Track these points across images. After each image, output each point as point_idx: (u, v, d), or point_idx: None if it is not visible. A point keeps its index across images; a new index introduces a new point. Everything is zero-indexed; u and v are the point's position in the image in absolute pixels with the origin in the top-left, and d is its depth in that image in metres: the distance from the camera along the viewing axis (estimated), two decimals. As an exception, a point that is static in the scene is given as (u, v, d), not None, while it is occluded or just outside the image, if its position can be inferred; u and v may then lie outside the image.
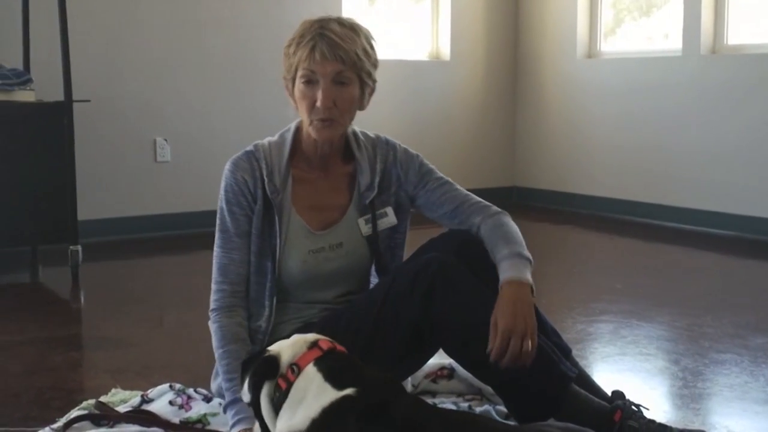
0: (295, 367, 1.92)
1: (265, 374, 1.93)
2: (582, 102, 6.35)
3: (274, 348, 1.97)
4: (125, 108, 5.32)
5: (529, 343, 2.00)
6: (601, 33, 6.37)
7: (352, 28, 2.23)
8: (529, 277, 2.11)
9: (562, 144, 6.52)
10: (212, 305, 2.28)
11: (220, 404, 2.35)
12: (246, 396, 1.95)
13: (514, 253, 2.14)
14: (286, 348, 1.96)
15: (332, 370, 1.91)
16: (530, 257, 2.16)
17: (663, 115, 5.81)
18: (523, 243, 2.21)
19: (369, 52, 2.25)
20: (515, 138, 6.87)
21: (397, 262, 2.41)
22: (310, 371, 1.91)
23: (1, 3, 4.88)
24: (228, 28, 5.60)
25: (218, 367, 2.25)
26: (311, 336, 1.98)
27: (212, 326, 2.27)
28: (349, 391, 1.86)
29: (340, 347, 1.98)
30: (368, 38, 2.26)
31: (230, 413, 2.15)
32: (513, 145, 6.88)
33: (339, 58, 2.17)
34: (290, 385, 1.91)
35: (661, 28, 6.25)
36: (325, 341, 1.97)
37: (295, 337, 1.99)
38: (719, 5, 5.56)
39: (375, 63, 2.28)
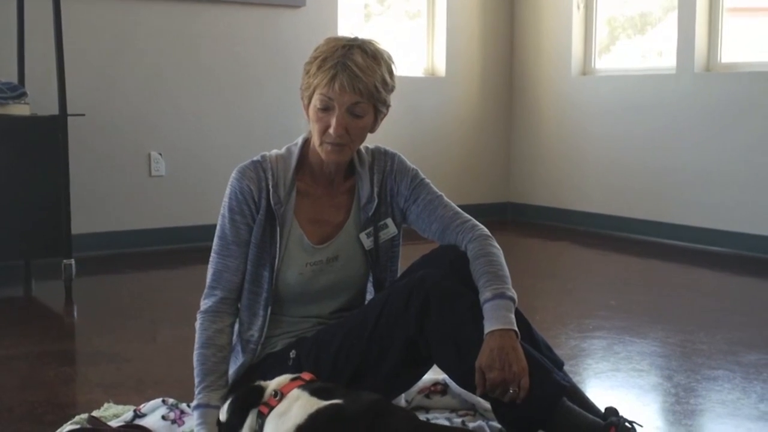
0: (278, 393, 1.95)
1: (248, 400, 1.98)
2: (576, 119, 6.37)
3: (261, 383, 2.04)
4: (120, 122, 5.32)
5: (518, 388, 2.02)
6: (595, 50, 6.39)
7: (374, 57, 2.23)
8: (512, 321, 2.10)
9: (556, 160, 6.54)
10: (201, 307, 2.30)
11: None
12: (222, 415, 2.03)
13: (497, 295, 2.13)
14: (272, 382, 2.03)
15: (317, 389, 1.94)
16: (514, 296, 2.15)
17: (657, 132, 5.83)
18: (507, 275, 2.20)
19: (387, 81, 2.26)
20: (510, 154, 6.88)
21: (392, 275, 2.41)
22: (295, 392, 1.94)
23: (-2, 17, 4.90)
24: (223, 43, 5.62)
25: None
26: (294, 375, 2.05)
27: (196, 327, 2.30)
28: (336, 400, 1.88)
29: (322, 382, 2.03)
30: (389, 65, 2.28)
31: (195, 414, 2.20)
32: (508, 162, 6.89)
33: (357, 91, 2.19)
34: (272, 409, 1.93)
35: (655, 46, 6.28)
36: (307, 374, 2.03)
37: (280, 376, 2.05)
38: (713, 23, 5.59)
39: (392, 90, 2.30)
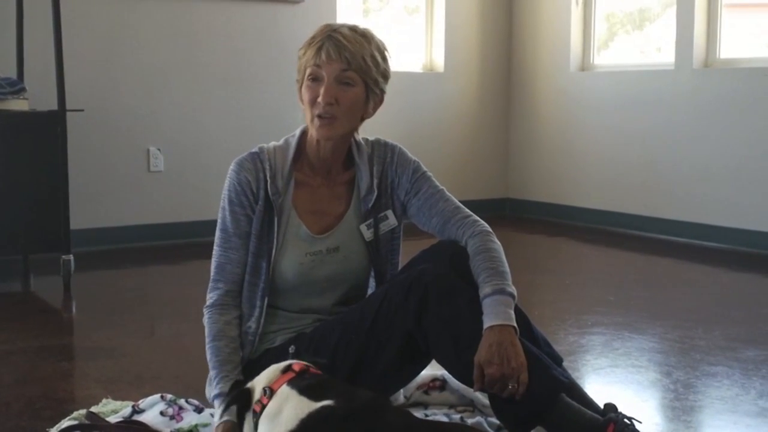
0: (267, 390, 1.94)
1: (239, 406, 1.98)
2: (575, 114, 6.37)
3: (250, 383, 2.02)
4: (119, 117, 5.32)
5: (516, 383, 2.02)
6: (594, 46, 6.39)
7: (364, 35, 2.26)
8: (512, 316, 2.09)
9: (555, 156, 6.53)
10: (207, 302, 2.31)
11: (212, 415, 2.35)
12: (216, 418, 2.05)
13: (497, 290, 2.13)
14: (260, 378, 2.01)
15: (307, 386, 1.92)
16: (513, 292, 2.15)
17: (655, 127, 5.83)
18: (507, 272, 2.20)
19: (378, 61, 2.27)
20: (509, 150, 6.88)
21: (393, 268, 2.41)
22: (284, 390, 1.92)
23: (-4, 12, 4.89)
24: (222, 38, 5.61)
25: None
26: (285, 363, 2.02)
27: (204, 322, 2.30)
28: (327, 402, 1.86)
29: (314, 369, 1.99)
30: (380, 48, 2.29)
31: (216, 404, 2.19)
32: (506, 157, 6.89)
33: (344, 59, 2.21)
34: (264, 407, 1.92)
35: (653, 41, 6.28)
36: (298, 364, 2.00)
37: (270, 367, 2.03)
38: (712, 19, 5.58)
39: (384, 73, 2.30)
